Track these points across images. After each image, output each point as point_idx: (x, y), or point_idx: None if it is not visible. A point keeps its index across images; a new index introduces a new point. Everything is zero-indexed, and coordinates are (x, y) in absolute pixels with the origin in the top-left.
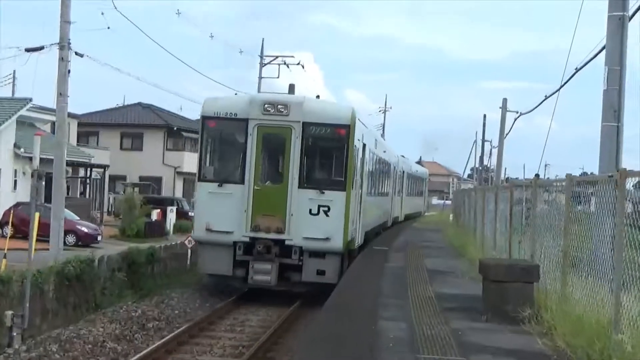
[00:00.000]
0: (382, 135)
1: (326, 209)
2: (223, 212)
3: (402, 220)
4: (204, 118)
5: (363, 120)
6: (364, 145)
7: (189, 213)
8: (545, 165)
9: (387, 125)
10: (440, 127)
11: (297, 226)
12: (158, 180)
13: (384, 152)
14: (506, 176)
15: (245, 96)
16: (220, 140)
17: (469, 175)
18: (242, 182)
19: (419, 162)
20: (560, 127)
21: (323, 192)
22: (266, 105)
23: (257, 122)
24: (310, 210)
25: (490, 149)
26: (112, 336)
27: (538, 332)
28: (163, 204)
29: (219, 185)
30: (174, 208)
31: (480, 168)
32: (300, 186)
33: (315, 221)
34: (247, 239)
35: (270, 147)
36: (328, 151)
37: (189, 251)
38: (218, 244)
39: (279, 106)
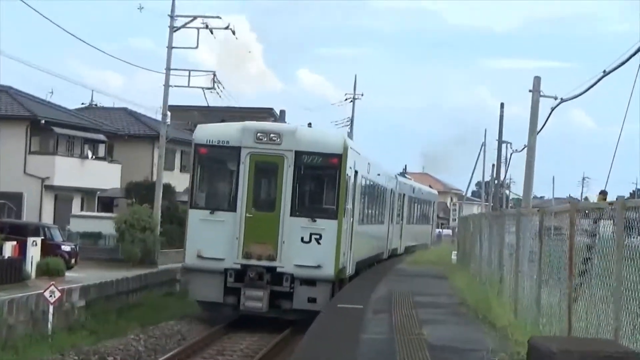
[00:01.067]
0: (350, 133)
1: (318, 237)
2: (214, 239)
3: (402, 253)
4: (196, 145)
5: (345, 137)
6: (356, 172)
7: (62, 247)
8: (583, 179)
9: (358, 120)
10: (432, 123)
11: (289, 254)
12: (17, 198)
13: (378, 175)
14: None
15: (238, 124)
16: (212, 167)
17: (473, 193)
18: (234, 209)
19: (403, 174)
20: (600, 124)
21: (315, 221)
22: (259, 134)
23: (249, 150)
24: (302, 238)
25: (509, 155)
26: None
27: None
28: (23, 232)
29: (210, 213)
30: (39, 239)
31: (496, 181)
32: (292, 214)
33: (307, 249)
34: (239, 266)
35: (263, 175)
36: (320, 180)
37: (51, 308)
38: (209, 271)
39: (272, 135)
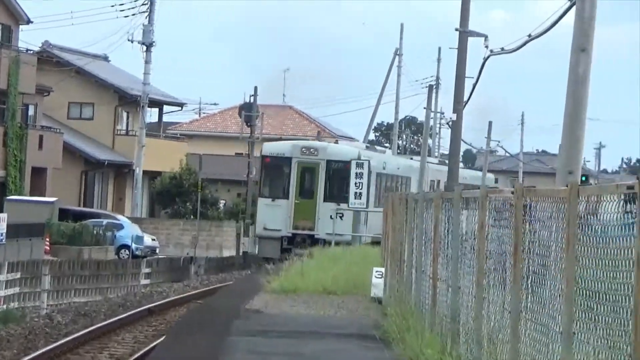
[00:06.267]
0: (149, 25)
1: (341, 215)
2: (274, 217)
3: None
4: (263, 156)
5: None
6: (370, 171)
7: None
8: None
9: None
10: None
11: (322, 226)
12: None
13: (398, 168)
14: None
15: (289, 142)
16: (272, 170)
17: (371, 143)
18: (287, 197)
19: (249, 106)
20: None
21: (339, 205)
22: (303, 149)
23: (297, 160)
24: (330, 216)
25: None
26: None
27: None
28: None
29: (272, 200)
30: None
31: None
32: (324, 200)
33: (334, 223)
34: (290, 234)
35: (305, 175)
36: (343, 177)
37: None
38: (271, 238)
39: (312, 149)
